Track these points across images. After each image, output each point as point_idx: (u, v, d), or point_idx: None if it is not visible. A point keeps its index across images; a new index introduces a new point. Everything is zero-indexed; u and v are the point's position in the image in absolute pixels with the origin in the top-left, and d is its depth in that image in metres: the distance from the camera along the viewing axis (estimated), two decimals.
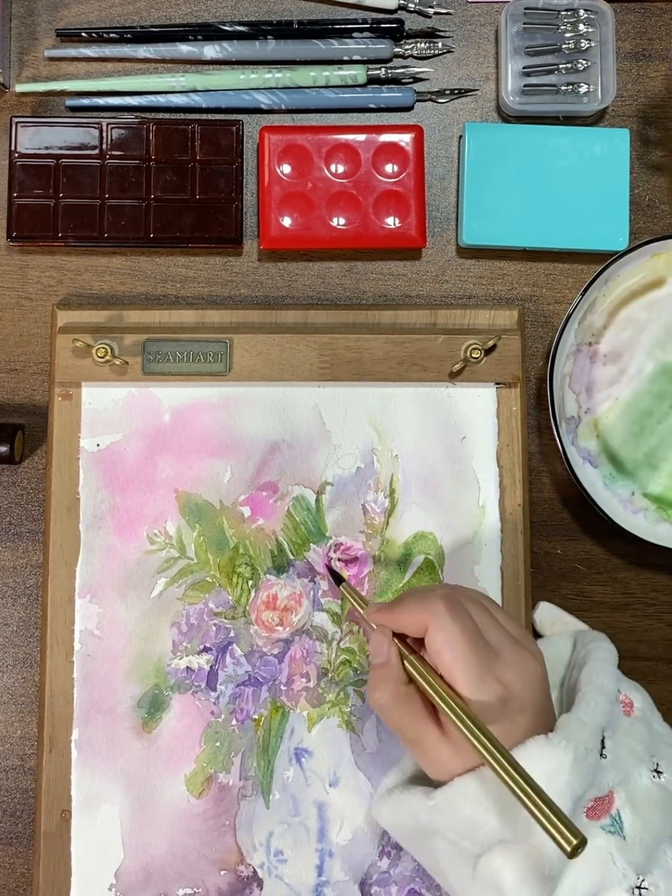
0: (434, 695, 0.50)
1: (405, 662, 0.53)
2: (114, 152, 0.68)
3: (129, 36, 0.70)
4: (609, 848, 0.50)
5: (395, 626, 0.54)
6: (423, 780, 0.55)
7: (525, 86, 0.69)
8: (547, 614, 0.67)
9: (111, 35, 0.69)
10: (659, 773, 0.53)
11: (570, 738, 0.49)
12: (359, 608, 0.59)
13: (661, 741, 0.56)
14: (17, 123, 0.68)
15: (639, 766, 0.53)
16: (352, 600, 0.60)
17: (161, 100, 0.69)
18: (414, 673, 0.52)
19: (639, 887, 0.50)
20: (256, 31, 0.70)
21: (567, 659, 0.59)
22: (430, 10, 0.70)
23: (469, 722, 0.48)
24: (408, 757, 0.57)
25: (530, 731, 0.50)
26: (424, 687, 0.51)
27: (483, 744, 0.48)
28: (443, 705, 0.50)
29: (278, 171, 0.67)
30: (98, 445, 0.66)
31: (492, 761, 0.47)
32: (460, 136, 0.70)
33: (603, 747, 0.52)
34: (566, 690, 0.57)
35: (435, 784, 0.52)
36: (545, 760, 0.48)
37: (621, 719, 0.54)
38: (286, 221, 0.67)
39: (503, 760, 0.47)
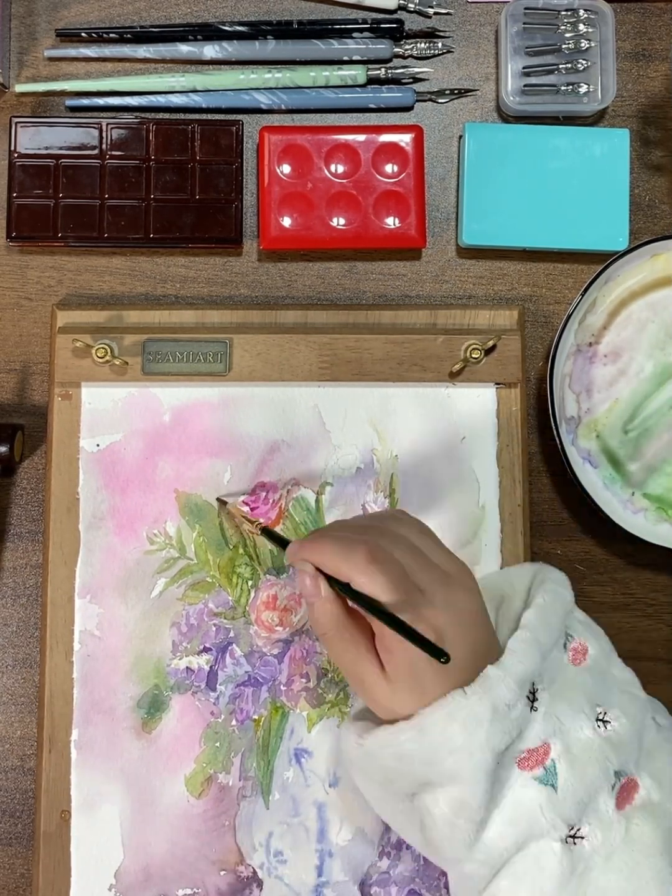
0: (366, 610, 0.50)
1: (334, 585, 0.52)
2: (114, 152, 0.68)
3: (129, 36, 0.70)
4: (539, 799, 0.50)
5: (318, 565, 0.52)
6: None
7: (525, 86, 0.69)
8: None
9: (111, 35, 0.69)
10: (604, 723, 0.53)
11: (488, 692, 0.49)
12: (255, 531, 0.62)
13: (615, 688, 0.55)
14: (17, 123, 0.68)
15: (577, 718, 0.52)
16: (247, 524, 0.63)
17: (161, 100, 0.69)
18: (345, 597, 0.52)
19: (573, 836, 0.50)
20: (256, 31, 0.70)
21: (524, 593, 0.57)
22: (430, 10, 0.70)
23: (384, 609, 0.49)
24: None
25: (465, 674, 0.50)
26: (354, 603, 0.51)
27: (368, 605, 0.49)
28: (376, 617, 0.49)
29: (278, 171, 0.67)
30: (98, 445, 0.66)
31: (373, 614, 0.49)
32: (460, 136, 0.70)
33: (535, 699, 0.51)
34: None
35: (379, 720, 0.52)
36: (462, 712, 0.48)
37: (564, 669, 0.53)
38: (286, 221, 0.67)
39: (378, 609, 0.49)
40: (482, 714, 0.49)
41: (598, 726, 0.52)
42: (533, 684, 0.51)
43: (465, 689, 0.49)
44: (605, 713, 0.53)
